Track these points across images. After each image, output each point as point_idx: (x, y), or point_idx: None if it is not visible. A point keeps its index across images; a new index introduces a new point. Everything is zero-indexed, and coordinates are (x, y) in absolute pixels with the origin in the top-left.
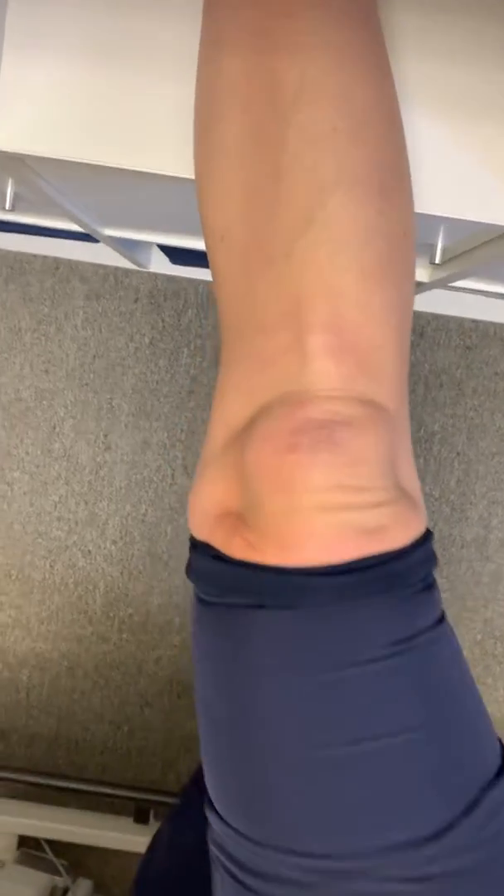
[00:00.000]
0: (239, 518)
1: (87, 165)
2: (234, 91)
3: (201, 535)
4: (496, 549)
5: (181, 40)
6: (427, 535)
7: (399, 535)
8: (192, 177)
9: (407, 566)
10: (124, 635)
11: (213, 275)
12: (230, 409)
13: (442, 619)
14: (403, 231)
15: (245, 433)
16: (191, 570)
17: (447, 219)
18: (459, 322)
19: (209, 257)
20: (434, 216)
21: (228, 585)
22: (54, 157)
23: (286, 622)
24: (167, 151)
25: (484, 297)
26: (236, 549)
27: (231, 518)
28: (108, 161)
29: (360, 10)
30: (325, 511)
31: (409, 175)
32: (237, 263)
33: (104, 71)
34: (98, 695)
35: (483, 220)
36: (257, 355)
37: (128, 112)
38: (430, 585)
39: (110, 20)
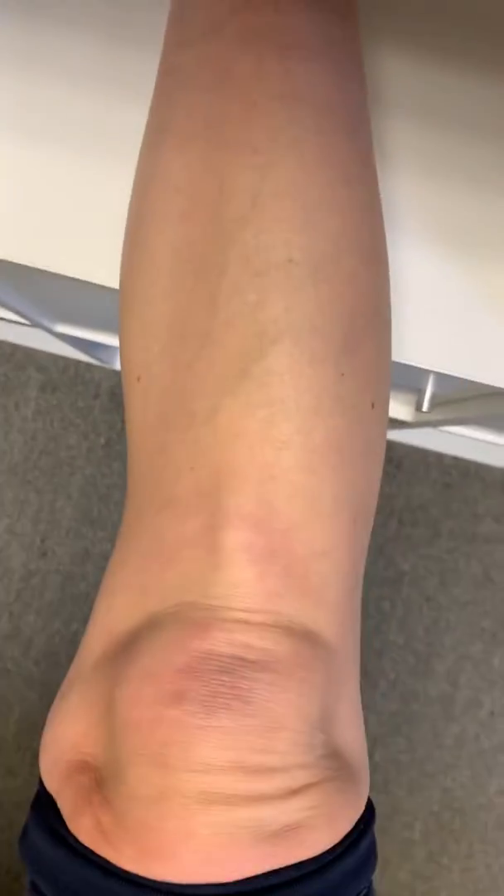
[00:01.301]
0: (96, 779)
1: (15, 264)
2: (174, 193)
3: (50, 783)
4: (463, 709)
5: (130, 124)
6: (366, 822)
7: (321, 836)
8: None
9: (331, 883)
10: (36, 770)
11: (126, 422)
12: (115, 609)
13: None
14: (372, 400)
15: (122, 656)
16: (24, 842)
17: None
18: (439, 457)
19: (124, 399)
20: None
21: (66, 884)
22: None
23: None
24: (105, 255)
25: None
26: (83, 830)
27: (87, 776)
28: (36, 263)
29: (347, 114)
30: (211, 803)
31: (387, 327)
32: (153, 413)
33: (35, 155)
34: None
35: (481, 381)
36: (159, 540)
37: (63, 204)
38: None
39: (45, 94)
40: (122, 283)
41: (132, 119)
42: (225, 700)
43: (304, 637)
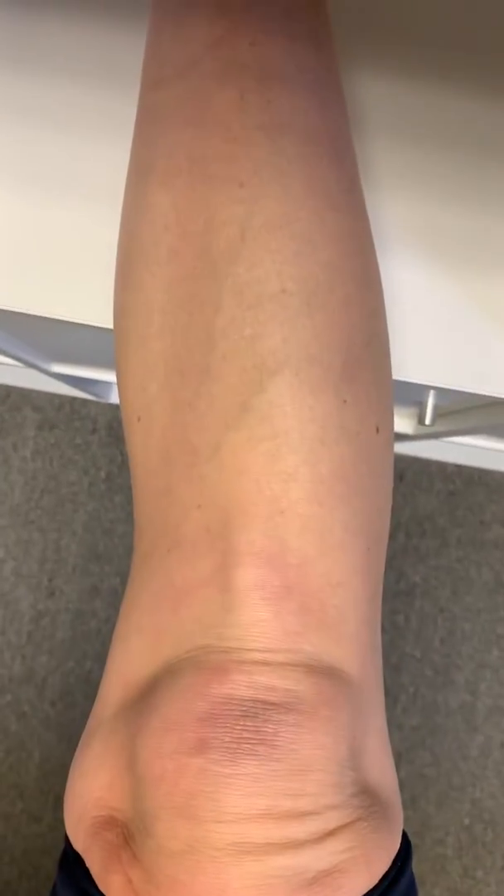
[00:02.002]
0: (124, 835)
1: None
2: (162, 231)
3: (76, 841)
4: (485, 718)
5: (115, 165)
6: (403, 859)
7: (358, 880)
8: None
9: None
10: (60, 814)
11: (129, 463)
12: (130, 655)
13: None
14: (376, 424)
15: (141, 705)
16: None
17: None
18: (442, 466)
19: (126, 440)
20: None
21: None
22: None
23: None
24: (97, 296)
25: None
26: (113, 889)
27: (114, 832)
28: (28, 309)
29: (330, 141)
30: (243, 854)
31: (385, 349)
32: (155, 452)
33: (19, 199)
34: (25, 886)
35: (482, 392)
36: (169, 582)
37: (48, 247)
38: None
39: (27, 138)
40: (115, 324)
41: (117, 159)
42: (250, 745)
43: (326, 674)
